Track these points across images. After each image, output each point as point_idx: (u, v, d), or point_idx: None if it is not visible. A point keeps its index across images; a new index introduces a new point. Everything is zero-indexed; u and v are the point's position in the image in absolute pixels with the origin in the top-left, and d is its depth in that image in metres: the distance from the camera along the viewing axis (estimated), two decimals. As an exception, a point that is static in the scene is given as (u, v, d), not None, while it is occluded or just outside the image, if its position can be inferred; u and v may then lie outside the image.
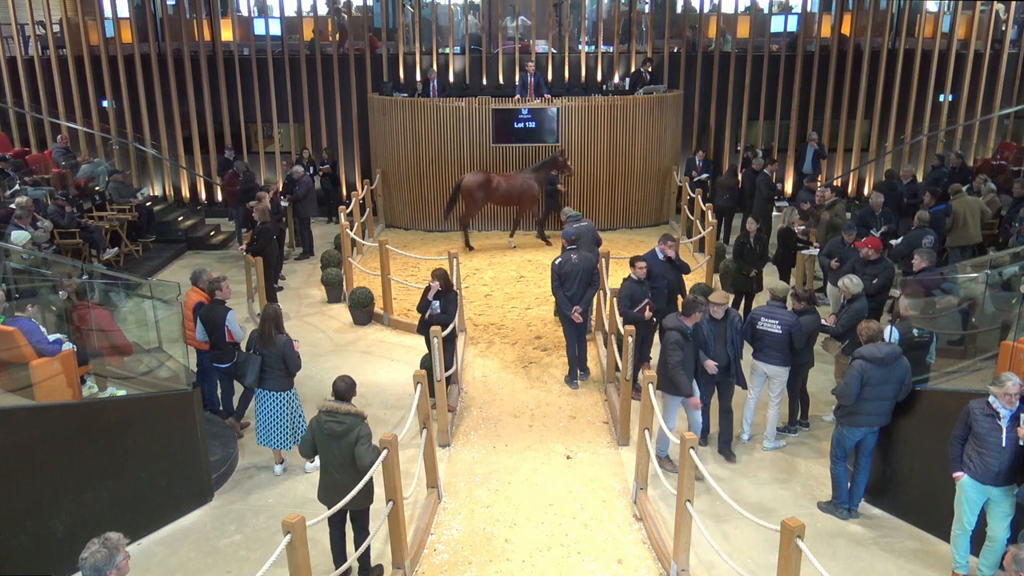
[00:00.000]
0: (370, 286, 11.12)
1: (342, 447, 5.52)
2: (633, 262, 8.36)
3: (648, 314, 8.25)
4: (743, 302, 10.24)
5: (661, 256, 8.93)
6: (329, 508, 5.48)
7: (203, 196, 16.96)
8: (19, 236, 9.69)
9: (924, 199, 11.41)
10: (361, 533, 5.77)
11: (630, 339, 7.39)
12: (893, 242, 10.43)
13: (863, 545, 6.24)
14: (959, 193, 11.04)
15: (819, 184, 12.38)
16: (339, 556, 5.77)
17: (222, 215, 15.95)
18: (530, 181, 13.58)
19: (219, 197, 16.31)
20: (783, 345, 7.28)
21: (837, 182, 16.64)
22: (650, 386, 6.56)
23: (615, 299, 8.44)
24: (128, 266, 12.65)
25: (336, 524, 5.71)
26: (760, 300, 9.53)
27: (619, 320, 8.13)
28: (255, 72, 16.30)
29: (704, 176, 15.12)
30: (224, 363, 7.77)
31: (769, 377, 7.50)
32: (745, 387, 7.45)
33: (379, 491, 5.82)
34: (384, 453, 5.58)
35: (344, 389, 5.67)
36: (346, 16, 16.46)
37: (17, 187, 12.17)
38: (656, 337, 9.06)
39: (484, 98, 14.53)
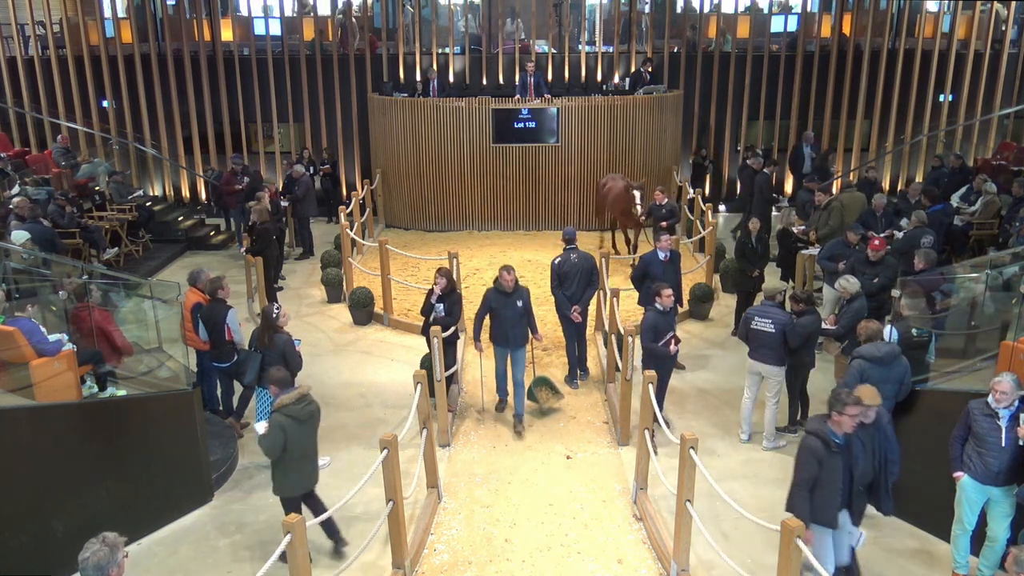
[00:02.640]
0: (370, 286, 11.11)
1: (313, 426, 5.77)
2: (659, 290, 7.54)
3: (673, 348, 7.49)
4: (745, 302, 10.22)
5: (662, 256, 8.92)
6: (304, 497, 5.86)
7: (203, 196, 16.95)
8: (18, 236, 9.69)
9: (921, 200, 11.40)
10: (320, 506, 5.96)
11: (630, 339, 7.39)
12: (897, 233, 10.42)
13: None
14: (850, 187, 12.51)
15: (818, 185, 12.36)
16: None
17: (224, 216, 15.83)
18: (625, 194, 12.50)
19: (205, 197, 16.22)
20: (777, 344, 7.28)
21: (837, 183, 16.63)
22: (650, 386, 6.57)
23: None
24: (128, 266, 12.65)
25: (299, 509, 5.87)
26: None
27: (635, 352, 7.50)
28: (255, 72, 16.29)
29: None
30: (224, 363, 7.77)
31: (764, 377, 7.50)
32: (889, 513, 5.69)
33: (379, 491, 5.83)
34: (385, 453, 5.59)
35: (288, 377, 5.85)
36: (344, 16, 16.44)
37: (18, 187, 12.17)
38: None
39: (484, 98, 14.52)
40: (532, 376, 8.49)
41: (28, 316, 6.63)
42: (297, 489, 5.81)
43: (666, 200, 11.69)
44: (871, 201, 10.99)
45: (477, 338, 8.12)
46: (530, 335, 8.11)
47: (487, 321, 8.11)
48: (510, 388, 8.19)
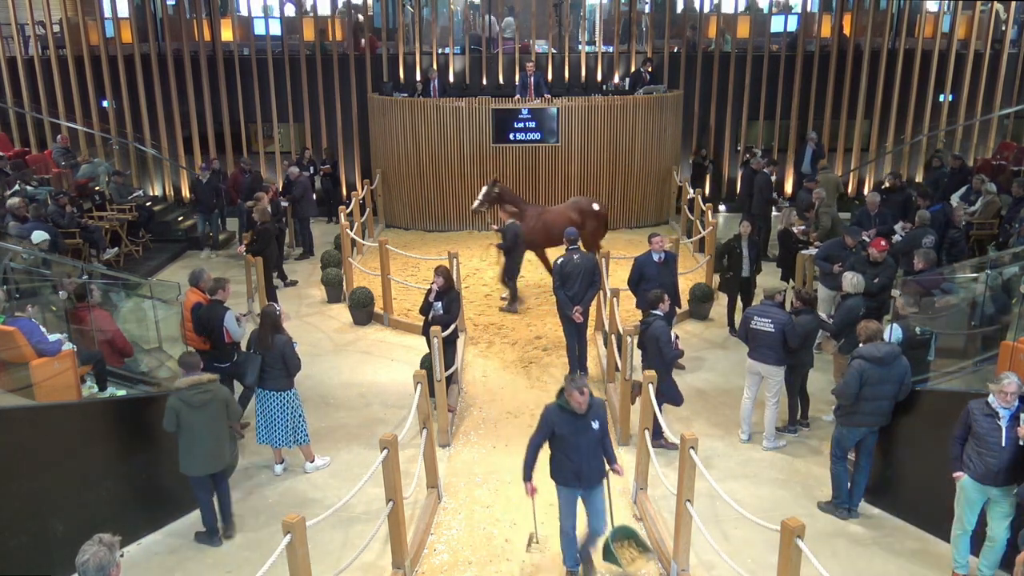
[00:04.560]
0: (370, 286, 11.11)
1: (211, 413, 6.07)
2: (662, 297, 7.46)
3: (681, 348, 7.59)
4: (733, 304, 10.20)
5: (656, 257, 8.90)
6: (202, 475, 6.14)
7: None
8: (37, 236, 9.70)
9: (917, 201, 11.39)
10: (225, 494, 6.39)
11: (629, 339, 7.39)
12: (895, 237, 10.42)
13: (863, 545, 6.24)
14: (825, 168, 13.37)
15: (817, 185, 12.36)
16: (211, 514, 6.27)
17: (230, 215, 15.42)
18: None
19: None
20: (777, 344, 7.28)
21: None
22: (650, 387, 6.57)
23: (657, 339, 7.24)
24: (128, 266, 12.65)
25: (207, 488, 6.23)
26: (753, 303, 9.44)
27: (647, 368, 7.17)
28: (255, 72, 16.29)
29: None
30: (224, 363, 7.76)
31: (764, 376, 7.51)
32: None
33: (379, 491, 5.83)
34: (385, 453, 5.59)
35: (196, 362, 6.26)
36: (356, 15, 16.44)
37: (18, 187, 12.17)
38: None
39: (484, 98, 14.52)
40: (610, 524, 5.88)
41: (28, 316, 6.64)
42: (198, 469, 6.11)
43: (510, 221, 10.82)
44: (866, 199, 11.00)
45: (528, 477, 5.62)
46: (607, 466, 5.62)
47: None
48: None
